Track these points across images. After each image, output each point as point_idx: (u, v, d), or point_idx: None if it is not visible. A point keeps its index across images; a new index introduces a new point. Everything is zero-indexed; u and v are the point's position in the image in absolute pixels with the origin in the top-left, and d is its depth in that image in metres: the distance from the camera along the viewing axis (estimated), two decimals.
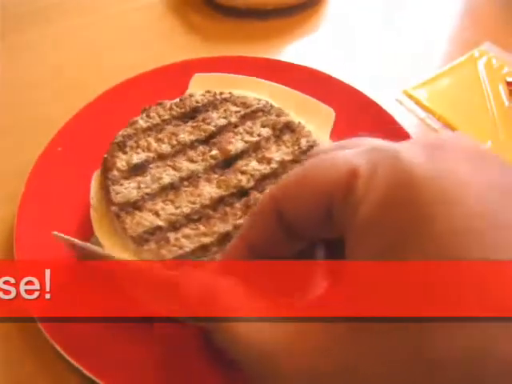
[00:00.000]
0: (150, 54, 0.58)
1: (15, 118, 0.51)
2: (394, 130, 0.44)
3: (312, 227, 0.22)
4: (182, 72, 0.50)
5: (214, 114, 0.44)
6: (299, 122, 0.43)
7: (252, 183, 0.39)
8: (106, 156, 0.41)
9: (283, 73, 0.50)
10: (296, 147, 0.41)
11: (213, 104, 0.44)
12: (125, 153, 0.41)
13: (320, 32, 0.62)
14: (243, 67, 0.49)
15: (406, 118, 0.51)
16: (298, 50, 0.59)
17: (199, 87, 0.48)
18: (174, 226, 0.37)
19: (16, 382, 0.35)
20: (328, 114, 0.46)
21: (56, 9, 0.63)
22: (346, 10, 0.64)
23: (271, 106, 0.44)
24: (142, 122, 0.43)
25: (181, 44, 0.59)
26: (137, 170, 0.40)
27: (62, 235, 0.31)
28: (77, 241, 0.32)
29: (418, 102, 0.52)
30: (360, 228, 0.19)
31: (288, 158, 0.40)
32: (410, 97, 0.53)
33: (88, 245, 0.33)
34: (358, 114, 0.47)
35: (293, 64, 0.52)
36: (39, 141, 0.44)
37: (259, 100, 0.45)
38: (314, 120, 0.45)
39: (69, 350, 0.33)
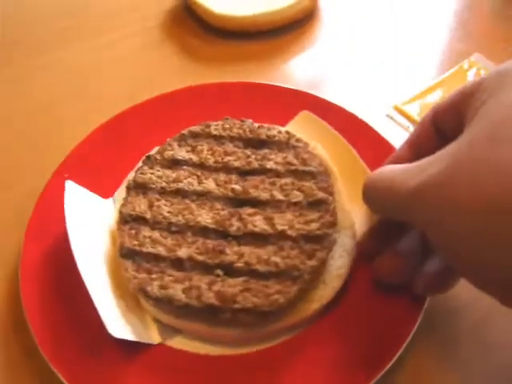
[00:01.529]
0: (151, 78, 0.59)
1: (24, 145, 0.54)
2: (382, 148, 0.46)
3: (450, 122, 0.34)
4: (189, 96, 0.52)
5: (273, 156, 0.43)
6: (334, 207, 0.40)
7: (240, 233, 0.39)
8: (168, 140, 0.45)
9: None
10: (305, 228, 0.39)
11: (281, 145, 0.44)
12: (180, 146, 0.45)
13: (312, 49, 0.62)
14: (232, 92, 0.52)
15: (397, 133, 0.52)
16: (292, 69, 0.60)
17: (301, 123, 0.48)
18: (154, 222, 0.40)
19: None
20: None
21: (57, 35, 0.65)
22: (338, 26, 0.65)
23: (326, 174, 0.42)
24: (213, 128, 0.46)
25: (179, 68, 0.61)
26: (174, 164, 0.43)
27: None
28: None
29: (407, 117, 0.53)
30: (478, 110, 0.29)
31: (289, 232, 0.38)
32: (400, 112, 0.53)
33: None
34: (346, 133, 0.46)
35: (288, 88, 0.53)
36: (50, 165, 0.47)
37: (320, 166, 0.42)
38: (364, 210, 0.41)
39: None
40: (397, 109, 0.54)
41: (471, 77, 0.55)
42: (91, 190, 0.45)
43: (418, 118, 0.52)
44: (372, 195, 0.34)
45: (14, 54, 0.63)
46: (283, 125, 0.48)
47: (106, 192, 0.46)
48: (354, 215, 0.42)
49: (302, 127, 0.47)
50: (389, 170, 0.33)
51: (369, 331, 0.37)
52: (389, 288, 0.38)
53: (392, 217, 0.35)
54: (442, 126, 0.35)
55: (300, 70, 0.60)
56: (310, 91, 0.52)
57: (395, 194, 0.31)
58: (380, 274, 0.38)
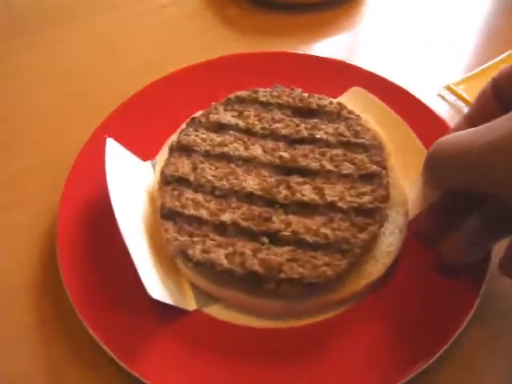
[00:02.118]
0: (187, 47, 0.57)
1: (62, 108, 0.52)
2: (436, 125, 0.44)
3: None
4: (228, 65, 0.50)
5: (324, 126, 0.41)
6: (387, 181, 0.38)
7: (288, 201, 0.37)
8: (213, 103, 0.44)
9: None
10: (357, 200, 0.36)
11: (332, 116, 0.42)
12: (226, 110, 0.43)
13: (358, 27, 0.59)
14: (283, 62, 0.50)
15: (448, 113, 0.50)
16: (334, 45, 0.57)
17: (352, 98, 0.46)
18: (198, 184, 0.38)
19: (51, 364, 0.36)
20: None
21: (83, 5, 0.63)
22: (385, 6, 0.62)
23: (379, 148, 0.40)
24: (261, 94, 0.44)
25: (216, 38, 0.58)
26: (219, 128, 0.42)
27: None
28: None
29: (460, 97, 0.51)
30: None
31: (340, 204, 0.36)
32: (453, 92, 0.52)
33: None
34: (400, 109, 0.44)
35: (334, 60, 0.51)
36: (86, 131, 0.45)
37: (373, 139, 0.40)
38: (417, 188, 0.39)
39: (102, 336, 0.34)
40: (448, 88, 0.51)
41: None
42: (130, 152, 0.43)
43: (469, 99, 0.50)
44: (440, 163, 0.31)
45: (45, 22, 0.62)
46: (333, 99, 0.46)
47: (145, 155, 0.44)
48: (407, 192, 0.39)
49: (353, 102, 0.45)
50: (454, 135, 0.31)
51: (419, 313, 0.35)
52: (442, 269, 0.36)
53: (462, 186, 0.31)
54: (505, 93, 0.33)
55: (346, 46, 0.58)
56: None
57: (468, 154, 0.28)
58: (449, 253, 0.35)
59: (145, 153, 0.44)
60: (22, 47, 0.58)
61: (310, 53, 0.54)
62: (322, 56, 0.51)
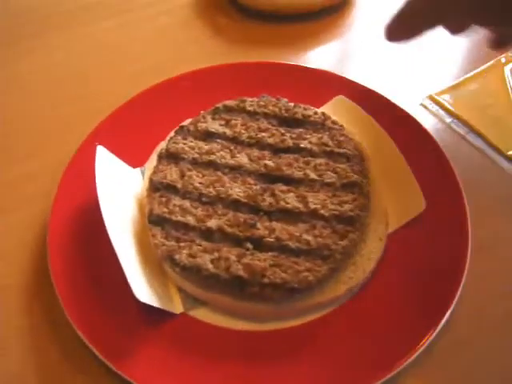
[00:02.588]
0: (178, 56, 0.58)
1: (53, 116, 0.53)
2: (418, 134, 0.45)
3: None
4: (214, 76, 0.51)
5: (308, 136, 0.43)
6: (368, 191, 0.39)
7: (272, 208, 0.38)
8: (201, 112, 0.45)
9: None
10: (338, 208, 0.38)
11: (316, 126, 0.43)
12: (214, 119, 0.44)
13: (344, 37, 0.61)
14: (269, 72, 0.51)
15: (430, 122, 0.51)
16: (322, 55, 0.59)
17: (336, 108, 0.47)
18: (185, 191, 0.39)
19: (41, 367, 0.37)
20: (416, 206, 0.40)
21: (82, 12, 0.64)
22: (371, 16, 0.63)
23: (361, 158, 0.41)
24: (248, 103, 0.45)
25: (207, 47, 0.59)
26: (207, 136, 0.43)
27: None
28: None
29: (443, 107, 0.52)
30: None
31: (322, 211, 0.38)
32: (435, 101, 0.53)
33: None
34: (382, 119, 0.45)
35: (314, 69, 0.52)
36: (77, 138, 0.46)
37: (355, 150, 0.42)
38: (398, 199, 0.41)
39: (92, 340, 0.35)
40: (431, 98, 0.53)
41: (508, 72, 0.54)
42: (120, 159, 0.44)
43: (452, 108, 0.51)
44: None
45: (45, 27, 0.63)
46: (317, 108, 0.47)
47: (134, 162, 0.45)
48: (388, 202, 0.41)
49: (336, 111, 0.47)
50: None
51: (396, 317, 0.36)
52: (420, 276, 0.38)
53: None
54: None
55: (333, 54, 0.59)
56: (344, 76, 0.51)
57: None
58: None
59: (134, 160, 0.46)
60: (22, 52, 0.60)
61: (298, 62, 0.56)
62: (307, 66, 0.52)
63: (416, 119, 0.46)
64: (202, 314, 0.37)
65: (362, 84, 0.50)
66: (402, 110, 0.47)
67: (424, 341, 0.35)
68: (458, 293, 0.37)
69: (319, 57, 0.59)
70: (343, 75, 0.51)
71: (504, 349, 0.37)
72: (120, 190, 0.42)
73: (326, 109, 0.47)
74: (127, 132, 0.47)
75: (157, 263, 0.39)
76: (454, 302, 0.36)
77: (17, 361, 0.37)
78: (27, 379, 0.36)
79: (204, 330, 0.37)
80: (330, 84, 0.50)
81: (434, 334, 0.35)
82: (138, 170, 0.45)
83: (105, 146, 0.43)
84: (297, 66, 0.52)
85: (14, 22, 0.64)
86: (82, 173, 0.43)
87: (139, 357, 0.35)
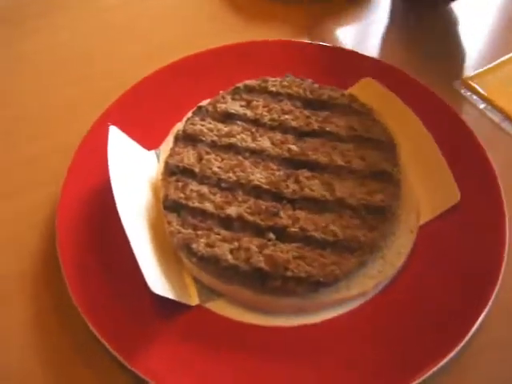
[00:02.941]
0: (192, 34, 0.55)
1: (68, 94, 0.50)
2: (450, 120, 0.43)
3: None
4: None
5: (335, 119, 0.40)
6: (398, 179, 0.37)
7: (296, 196, 0.36)
8: (221, 92, 0.42)
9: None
10: (367, 198, 0.35)
11: (343, 109, 0.41)
12: (234, 99, 0.41)
13: (371, 16, 0.56)
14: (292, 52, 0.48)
15: (462, 108, 0.47)
16: (348, 34, 0.55)
17: (364, 90, 0.44)
18: (203, 176, 0.37)
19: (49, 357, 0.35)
20: (450, 196, 0.38)
21: None
22: None
23: (390, 144, 0.38)
24: (271, 83, 0.42)
25: (223, 24, 0.56)
26: (226, 117, 0.40)
27: None
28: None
29: (476, 92, 0.49)
30: None
31: (349, 200, 0.35)
32: (468, 86, 0.49)
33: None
34: (412, 102, 0.42)
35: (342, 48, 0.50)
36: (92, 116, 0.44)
37: (386, 134, 0.39)
38: (430, 189, 0.38)
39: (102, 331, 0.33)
40: (463, 82, 0.50)
41: None
42: (134, 141, 0.42)
43: (485, 93, 0.48)
44: None
45: (50, 6, 0.59)
46: (345, 89, 0.44)
47: (149, 144, 0.43)
48: (419, 192, 0.38)
49: (365, 93, 0.44)
50: None
51: (426, 317, 0.34)
52: (453, 273, 0.35)
53: None
54: None
55: (360, 34, 0.56)
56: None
57: None
58: None
59: (149, 142, 0.43)
60: (28, 32, 0.57)
61: (323, 42, 0.52)
62: (333, 46, 0.49)
63: (449, 105, 0.43)
64: (218, 307, 0.35)
65: (391, 65, 0.47)
66: (434, 95, 0.44)
67: (458, 342, 0.32)
68: (495, 292, 0.34)
69: (345, 36, 0.55)
70: (371, 55, 0.48)
71: None
72: (134, 173, 0.39)
73: (354, 91, 0.44)
74: (141, 112, 0.45)
75: (172, 252, 0.36)
76: (491, 302, 0.34)
77: (23, 350, 0.35)
78: (33, 370, 0.34)
79: (220, 323, 0.35)
80: (357, 65, 0.47)
81: (469, 335, 0.32)
82: (152, 152, 0.43)
83: (118, 127, 0.41)
84: (322, 45, 0.49)
85: (19, 2, 0.61)
86: (93, 154, 0.41)
87: (152, 350, 0.33)
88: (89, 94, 0.49)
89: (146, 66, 0.47)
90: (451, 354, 0.32)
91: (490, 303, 0.34)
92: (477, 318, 0.33)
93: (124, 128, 0.41)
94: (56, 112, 0.49)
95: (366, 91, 0.44)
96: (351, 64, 0.47)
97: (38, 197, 0.42)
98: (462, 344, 0.32)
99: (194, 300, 0.35)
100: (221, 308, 0.35)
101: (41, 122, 0.48)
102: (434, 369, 0.32)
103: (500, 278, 0.35)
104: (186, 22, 0.57)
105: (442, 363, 0.32)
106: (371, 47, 0.54)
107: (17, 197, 0.43)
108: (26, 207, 0.42)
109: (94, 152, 0.41)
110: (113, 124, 0.41)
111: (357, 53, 0.48)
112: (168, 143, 0.41)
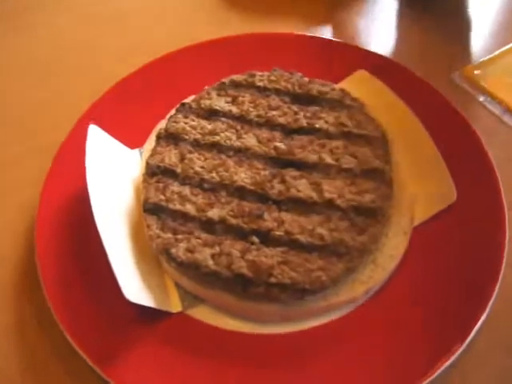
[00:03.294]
0: (190, 28, 0.53)
1: (51, 91, 0.49)
2: (448, 114, 0.40)
3: None
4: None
5: (324, 115, 0.38)
6: (391, 178, 0.35)
7: (282, 197, 0.34)
8: (206, 87, 0.40)
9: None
10: (357, 198, 0.33)
11: (334, 104, 0.39)
12: (219, 95, 0.40)
13: (365, 8, 0.54)
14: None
15: (460, 101, 0.44)
16: (341, 25, 0.52)
17: (357, 83, 0.42)
18: (185, 176, 0.35)
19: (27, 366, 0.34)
20: (446, 196, 0.36)
21: None
22: None
23: (383, 141, 0.36)
24: (258, 78, 0.40)
25: (215, 16, 0.54)
26: (211, 114, 0.38)
27: None
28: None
29: (475, 83, 0.46)
30: None
31: (338, 201, 0.33)
32: (467, 77, 0.47)
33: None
34: (409, 94, 0.40)
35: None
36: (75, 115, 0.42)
37: (377, 130, 0.37)
38: (425, 188, 0.36)
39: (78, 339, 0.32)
40: (462, 73, 0.47)
41: None
42: (117, 140, 0.40)
43: (485, 85, 0.46)
44: None
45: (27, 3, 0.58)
46: (336, 83, 0.42)
47: (133, 142, 0.41)
48: (414, 191, 0.36)
49: (357, 87, 0.42)
50: None
51: (421, 323, 0.32)
52: (449, 276, 0.33)
53: None
54: None
55: (354, 25, 0.54)
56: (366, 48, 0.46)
57: None
58: None
59: (132, 140, 0.41)
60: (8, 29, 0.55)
61: (315, 33, 0.50)
62: (324, 37, 0.47)
63: (446, 97, 0.41)
64: (201, 314, 0.34)
65: (385, 56, 0.44)
66: (430, 86, 0.42)
67: (456, 349, 0.30)
68: (494, 296, 0.32)
69: (338, 27, 0.53)
70: (365, 47, 0.46)
71: None
72: (116, 174, 0.38)
73: (346, 84, 0.42)
74: (125, 110, 0.43)
75: (153, 255, 0.35)
76: (489, 307, 0.32)
77: (2, 359, 0.34)
78: (12, 377, 0.33)
79: (203, 331, 0.33)
80: (349, 57, 0.45)
81: (467, 341, 0.31)
82: (136, 151, 0.41)
83: (100, 126, 0.39)
84: (313, 37, 0.47)
85: None
86: (74, 157, 0.39)
87: (131, 360, 0.32)
88: (74, 92, 0.48)
89: (133, 62, 0.46)
90: (448, 362, 0.30)
91: (488, 308, 0.32)
92: (475, 323, 0.31)
93: (107, 126, 0.40)
94: (36, 113, 0.47)
95: (359, 84, 0.42)
96: (344, 56, 0.45)
97: (20, 200, 0.41)
98: (460, 350, 0.31)
99: (175, 306, 0.34)
100: (203, 315, 0.34)
101: (20, 123, 0.47)
102: (430, 378, 0.30)
103: (499, 280, 0.33)
104: (180, 16, 0.55)
105: (438, 372, 0.30)
106: (367, 38, 0.52)
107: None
108: (9, 211, 0.41)
109: (75, 154, 0.39)
110: (95, 123, 0.39)
111: (349, 44, 0.46)
112: (151, 141, 0.39)
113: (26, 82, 0.50)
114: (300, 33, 0.48)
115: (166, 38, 0.50)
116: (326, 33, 0.52)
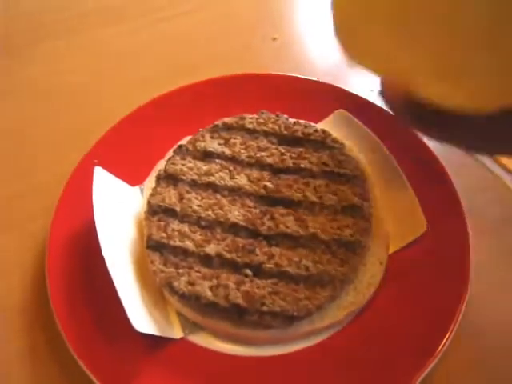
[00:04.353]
0: (175, 67, 0.57)
1: (52, 128, 0.52)
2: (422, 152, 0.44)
3: None
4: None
5: (308, 155, 0.42)
6: (369, 213, 0.39)
7: (271, 232, 0.38)
8: (200, 130, 0.44)
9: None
10: (338, 232, 0.38)
11: (317, 145, 0.43)
12: (213, 138, 0.44)
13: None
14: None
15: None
16: (321, 66, 0.55)
17: (337, 122, 0.47)
18: (184, 215, 0.39)
19: None
20: (417, 227, 0.40)
21: (93, 15, 0.63)
22: None
23: (362, 179, 0.41)
24: (248, 121, 0.44)
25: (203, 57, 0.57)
26: (206, 156, 0.42)
27: None
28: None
29: None
30: None
31: (322, 236, 0.37)
32: None
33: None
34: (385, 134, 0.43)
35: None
36: (76, 152, 0.45)
37: (356, 170, 0.41)
38: (399, 220, 0.40)
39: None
40: None
41: None
42: (119, 177, 0.44)
43: None
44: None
45: (52, 30, 0.62)
46: (317, 122, 0.47)
47: (133, 180, 0.45)
48: (389, 224, 0.40)
49: (337, 126, 0.46)
50: None
51: (399, 340, 0.36)
52: (421, 298, 0.38)
53: None
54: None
55: (333, 65, 0.57)
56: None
57: None
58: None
59: (133, 178, 0.45)
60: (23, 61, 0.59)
61: (298, 74, 0.55)
62: (307, 78, 0.51)
63: (418, 135, 0.45)
64: (201, 339, 0.37)
65: (362, 97, 0.49)
66: (404, 126, 0.46)
67: (425, 367, 0.34)
68: (461, 315, 0.36)
69: (319, 68, 0.58)
70: (344, 87, 0.50)
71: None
72: (119, 211, 0.42)
73: (327, 123, 0.47)
74: (126, 148, 0.47)
75: (156, 286, 0.39)
76: (456, 326, 0.36)
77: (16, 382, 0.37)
78: None
79: (204, 355, 0.37)
80: (330, 97, 0.49)
81: (436, 360, 0.35)
82: (137, 188, 0.45)
83: (103, 164, 0.43)
84: (296, 77, 0.51)
85: (12, 30, 0.63)
86: (80, 192, 0.43)
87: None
88: (81, 127, 0.51)
89: (139, 98, 0.49)
90: (420, 379, 0.34)
91: (455, 327, 0.36)
92: (441, 341, 0.35)
93: (110, 165, 0.44)
94: (45, 146, 0.51)
95: (339, 123, 0.46)
96: (324, 96, 0.49)
97: (27, 233, 0.44)
98: (428, 369, 0.35)
99: (178, 333, 0.38)
100: (204, 340, 0.37)
101: (26, 158, 0.50)
102: None
103: (466, 299, 0.37)
104: (170, 56, 0.59)
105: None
106: (345, 78, 0.55)
107: (6, 233, 0.45)
108: (16, 243, 0.44)
109: (81, 190, 0.42)
110: (99, 160, 0.43)
111: (330, 85, 0.50)
112: (152, 179, 0.43)
113: (32, 114, 0.54)
114: (284, 73, 0.53)
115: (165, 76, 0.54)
116: (310, 72, 0.56)
